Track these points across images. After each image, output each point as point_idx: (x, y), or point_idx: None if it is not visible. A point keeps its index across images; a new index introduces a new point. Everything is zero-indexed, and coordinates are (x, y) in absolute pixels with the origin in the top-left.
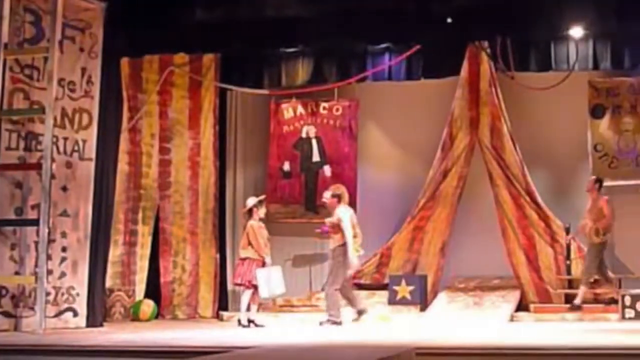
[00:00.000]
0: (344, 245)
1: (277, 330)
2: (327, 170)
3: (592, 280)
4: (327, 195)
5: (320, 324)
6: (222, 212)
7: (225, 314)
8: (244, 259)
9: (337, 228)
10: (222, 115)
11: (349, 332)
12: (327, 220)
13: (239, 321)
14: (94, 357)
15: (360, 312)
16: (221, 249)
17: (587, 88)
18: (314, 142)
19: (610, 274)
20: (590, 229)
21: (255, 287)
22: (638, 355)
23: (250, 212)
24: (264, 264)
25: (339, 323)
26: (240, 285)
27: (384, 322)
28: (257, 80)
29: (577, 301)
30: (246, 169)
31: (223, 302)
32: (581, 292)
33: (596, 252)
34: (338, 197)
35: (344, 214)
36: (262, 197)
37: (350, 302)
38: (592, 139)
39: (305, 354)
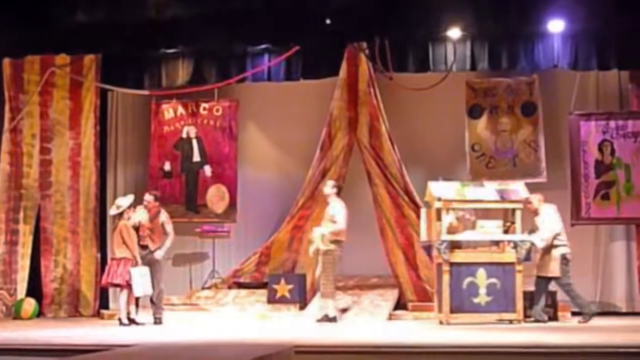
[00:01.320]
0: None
1: (158, 328)
2: (207, 170)
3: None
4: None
5: (318, 321)
6: (103, 212)
7: (106, 312)
8: (119, 259)
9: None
10: (103, 115)
11: (229, 331)
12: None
13: (120, 320)
14: None
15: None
16: (102, 248)
17: (464, 89)
18: (194, 142)
19: None
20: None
21: (131, 286)
22: (515, 352)
23: (121, 212)
24: (136, 264)
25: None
26: (117, 285)
27: (263, 320)
28: (138, 80)
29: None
30: (127, 169)
31: (104, 300)
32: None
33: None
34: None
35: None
36: (131, 196)
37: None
38: (469, 139)
39: (185, 352)
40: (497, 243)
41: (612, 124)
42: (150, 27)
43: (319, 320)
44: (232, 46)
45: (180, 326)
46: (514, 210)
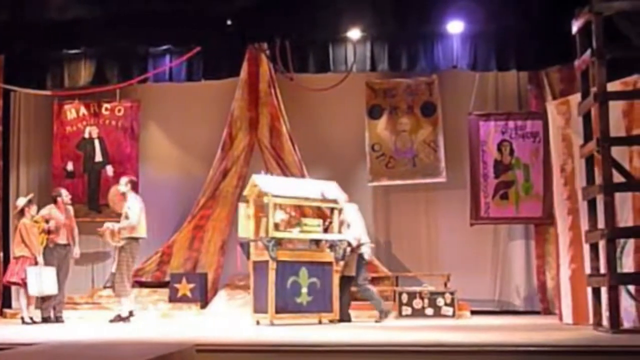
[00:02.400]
0: None
1: (61, 327)
2: (109, 170)
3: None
4: None
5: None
6: (5, 212)
7: (9, 311)
8: (18, 258)
9: None
10: (6, 116)
11: (130, 329)
12: None
13: (22, 319)
14: None
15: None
16: (5, 248)
17: (364, 89)
18: (96, 142)
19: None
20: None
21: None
22: (414, 351)
23: (22, 211)
24: (36, 263)
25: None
26: (14, 284)
27: (164, 319)
28: (41, 81)
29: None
30: (30, 169)
31: (7, 299)
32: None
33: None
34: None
35: None
36: (31, 195)
37: None
38: (369, 140)
39: (87, 351)
40: (317, 242)
41: (511, 124)
42: (53, 28)
43: (111, 321)
44: (134, 47)
45: (82, 325)
46: (332, 209)
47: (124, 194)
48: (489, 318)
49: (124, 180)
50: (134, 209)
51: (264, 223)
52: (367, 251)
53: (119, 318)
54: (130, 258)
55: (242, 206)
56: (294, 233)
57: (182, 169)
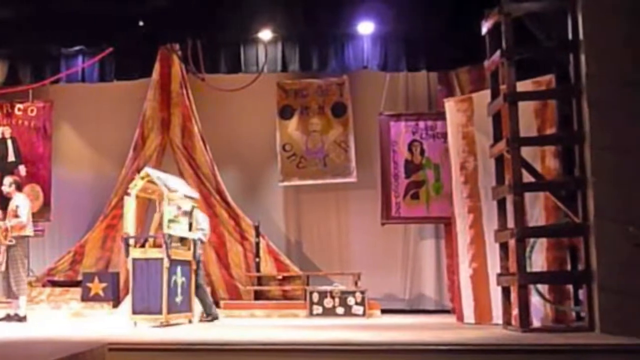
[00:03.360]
0: None
1: None
2: (22, 169)
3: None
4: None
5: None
6: None
7: None
8: None
9: None
10: None
11: (43, 329)
12: None
13: None
14: None
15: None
16: None
17: (276, 89)
18: (9, 142)
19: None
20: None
21: None
22: (325, 350)
23: None
24: None
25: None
26: None
27: (77, 318)
28: None
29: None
30: None
31: None
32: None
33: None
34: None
35: None
36: None
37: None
38: (280, 140)
39: None
40: (182, 241)
41: (422, 124)
42: None
43: (1, 320)
44: (47, 47)
45: None
46: (192, 207)
47: (8, 194)
48: (400, 317)
49: (7, 180)
50: (23, 208)
51: (157, 219)
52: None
53: (17, 317)
54: (24, 256)
55: (129, 201)
56: (179, 230)
57: (95, 169)
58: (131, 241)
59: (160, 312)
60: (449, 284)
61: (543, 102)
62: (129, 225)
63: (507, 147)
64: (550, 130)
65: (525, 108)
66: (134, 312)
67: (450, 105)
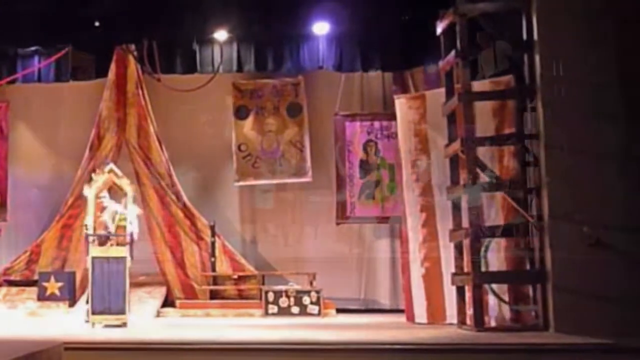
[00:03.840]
0: None
1: None
2: None
3: None
4: None
5: None
6: None
7: None
8: None
9: None
10: None
11: None
12: None
13: None
14: None
15: None
16: None
17: (231, 89)
18: None
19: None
20: None
21: None
22: (280, 349)
23: None
24: None
25: None
26: None
27: (33, 317)
28: None
29: None
30: None
31: None
32: None
33: None
34: None
35: None
36: None
37: None
38: (236, 140)
39: None
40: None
41: (377, 124)
42: None
43: None
44: (3, 48)
45: None
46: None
47: None
48: (355, 316)
49: None
50: None
51: (115, 217)
52: None
53: None
54: None
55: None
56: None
57: (51, 169)
58: (91, 239)
59: (122, 312)
60: (404, 283)
61: (501, 102)
62: (89, 219)
63: (461, 147)
64: (508, 130)
65: (483, 107)
66: (94, 313)
67: (401, 103)
